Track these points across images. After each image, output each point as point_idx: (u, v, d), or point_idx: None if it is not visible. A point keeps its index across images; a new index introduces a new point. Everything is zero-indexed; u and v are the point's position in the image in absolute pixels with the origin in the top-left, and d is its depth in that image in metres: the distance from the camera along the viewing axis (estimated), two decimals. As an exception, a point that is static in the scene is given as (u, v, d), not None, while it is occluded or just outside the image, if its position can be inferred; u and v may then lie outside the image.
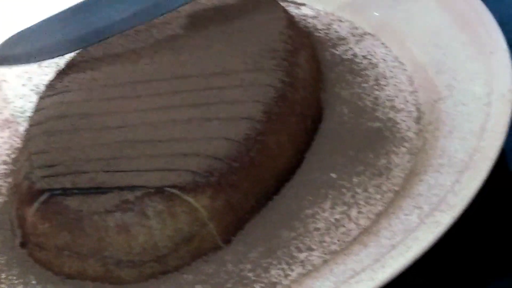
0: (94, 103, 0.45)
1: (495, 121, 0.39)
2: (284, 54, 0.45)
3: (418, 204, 0.38)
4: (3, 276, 0.41)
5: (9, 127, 0.50)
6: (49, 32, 0.47)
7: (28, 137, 0.44)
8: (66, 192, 0.40)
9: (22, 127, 0.50)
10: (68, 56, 0.54)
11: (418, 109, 0.45)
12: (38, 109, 0.46)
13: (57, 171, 0.41)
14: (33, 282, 0.41)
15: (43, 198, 0.40)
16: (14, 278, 0.41)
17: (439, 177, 0.39)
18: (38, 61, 0.48)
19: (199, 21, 0.49)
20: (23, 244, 0.42)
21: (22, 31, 0.48)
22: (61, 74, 0.48)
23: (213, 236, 0.40)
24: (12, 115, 0.51)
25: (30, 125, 0.45)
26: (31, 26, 0.48)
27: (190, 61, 0.46)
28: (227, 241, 0.40)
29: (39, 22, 0.48)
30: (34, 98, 0.51)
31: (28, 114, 0.50)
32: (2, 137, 0.49)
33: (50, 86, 0.47)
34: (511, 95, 0.40)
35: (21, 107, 0.51)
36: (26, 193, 0.41)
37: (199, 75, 0.44)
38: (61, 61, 0.54)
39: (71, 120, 0.44)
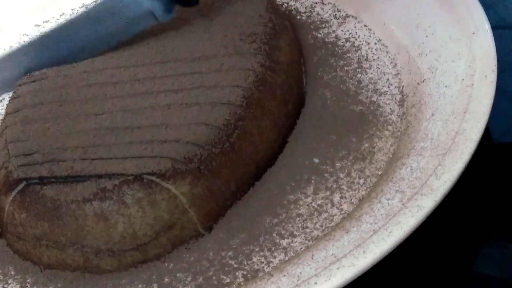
0: (71, 90, 0.44)
1: (478, 103, 0.39)
2: (264, 37, 0.44)
3: (400, 188, 0.37)
4: (-19, 267, 0.41)
5: (-14, 116, 0.49)
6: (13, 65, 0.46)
7: (5, 125, 0.43)
8: (43, 181, 0.39)
9: (1, 116, 0.49)
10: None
11: (401, 92, 0.45)
12: (15, 97, 0.45)
13: (34, 160, 0.40)
14: (12, 272, 0.40)
15: (20, 187, 0.39)
16: (-8, 269, 0.40)
17: (421, 161, 0.38)
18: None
19: (178, 7, 0.48)
20: (0, 235, 0.42)
21: None
22: (39, 61, 0.47)
23: (193, 224, 0.39)
24: (-10, 103, 0.50)
25: (7, 113, 0.44)
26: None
27: (169, 46, 0.45)
28: (208, 229, 0.40)
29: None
30: (13, 86, 0.51)
31: (7, 102, 0.49)
32: (-20, 126, 0.48)
33: (27, 73, 0.46)
34: (494, 76, 0.39)
35: (-1, 95, 0.50)
36: (3, 182, 0.40)
37: (178, 60, 0.44)
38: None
39: (48, 108, 0.43)
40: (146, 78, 0.43)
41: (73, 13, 0.56)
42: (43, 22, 0.55)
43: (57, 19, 0.55)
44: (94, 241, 0.39)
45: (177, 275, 0.39)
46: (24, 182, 0.39)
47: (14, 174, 0.40)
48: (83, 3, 0.56)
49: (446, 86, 0.41)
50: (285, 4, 0.52)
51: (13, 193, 0.40)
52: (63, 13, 0.56)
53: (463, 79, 0.41)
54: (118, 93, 0.43)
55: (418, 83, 0.44)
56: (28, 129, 0.42)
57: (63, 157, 0.40)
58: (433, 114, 0.41)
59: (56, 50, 0.46)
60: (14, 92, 0.45)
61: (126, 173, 0.38)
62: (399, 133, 0.43)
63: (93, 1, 0.52)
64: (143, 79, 0.43)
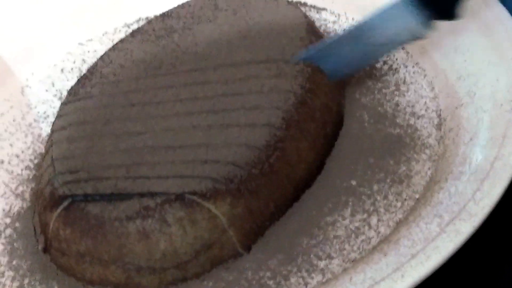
0: (115, 109, 0.45)
1: (517, 129, 0.39)
2: (305, 59, 0.45)
3: (438, 212, 0.38)
4: (26, 281, 0.42)
5: (32, 133, 0.50)
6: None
7: (51, 143, 0.44)
8: (87, 198, 0.40)
9: (45, 133, 0.50)
10: (90, 61, 0.55)
11: (438, 116, 0.45)
12: (60, 115, 0.46)
13: (79, 177, 0.41)
14: (56, 287, 0.41)
15: (65, 204, 0.41)
16: (37, 283, 0.42)
17: (459, 185, 0.39)
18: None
19: (219, 27, 0.49)
20: (45, 250, 0.43)
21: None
22: (83, 79, 0.48)
23: (233, 243, 0.40)
24: (35, 120, 0.51)
25: (53, 131, 0.45)
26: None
27: (211, 67, 0.46)
28: (247, 248, 0.41)
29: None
30: (57, 104, 0.52)
31: (51, 119, 0.51)
32: (25, 143, 0.50)
33: (72, 91, 0.47)
34: (533, 102, 0.40)
35: (44, 113, 0.52)
36: (49, 198, 0.42)
37: (220, 81, 0.45)
38: (83, 67, 0.55)
39: (93, 126, 0.44)
40: (187, 99, 0.44)
41: (115, 31, 0.57)
42: (86, 41, 0.57)
43: (100, 38, 0.57)
44: (136, 259, 0.40)
45: (216, 293, 0.39)
46: (70, 199, 0.40)
47: (60, 190, 0.41)
48: (125, 23, 0.57)
49: (484, 111, 0.42)
50: (323, 26, 0.53)
51: (59, 210, 0.41)
52: (106, 32, 0.57)
53: (501, 104, 0.41)
54: (160, 113, 0.44)
55: (456, 107, 0.44)
56: (73, 147, 0.43)
57: (107, 175, 0.41)
58: (471, 139, 0.41)
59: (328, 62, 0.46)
60: (59, 110, 0.47)
61: (168, 192, 0.39)
62: (436, 157, 0.43)
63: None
64: (185, 100, 0.44)
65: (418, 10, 0.44)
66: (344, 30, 0.46)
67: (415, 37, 0.46)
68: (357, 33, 0.46)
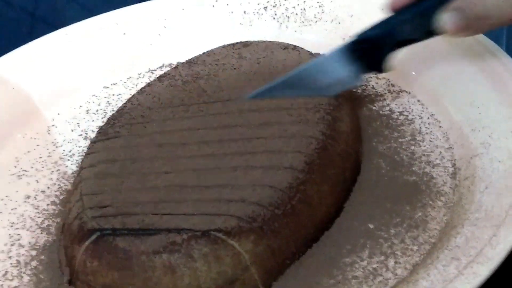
0: (143, 149, 0.47)
1: (531, 178, 0.41)
2: (327, 108, 0.47)
3: (455, 255, 0.39)
4: (51, 311, 0.43)
5: (58, 170, 0.52)
6: None
7: (80, 179, 0.46)
8: (115, 232, 0.42)
9: (71, 170, 0.52)
10: (115, 104, 0.57)
11: (453, 165, 0.47)
12: (89, 153, 0.48)
13: (107, 212, 0.43)
14: (80, 318, 0.42)
15: (93, 237, 0.42)
16: (62, 314, 0.43)
17: (476, 231, 0.40)
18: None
19: (244, 74, 0.51)
20: (70, 282, 0.44)
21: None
22: (112, 120, 0.50)
23: (254, 280, 0.41)
24: (61, 158, 0.53)
25: (82, 168, 0.47)
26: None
27: (235, 111, 0.48)
28: (268, 286, 0.42)
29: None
30: (82, 143, 0.54)
31: (76, 158, 0.53)
32: (51, 179, 0.51)
33: (102, 131, 0.49)
34: (546, 154, 0.41)
35: (69, 151, 0.53)
36: (77, 232, 0.43)
37: (245, 125, 0.46)
38: (108, 109, 0.57)
39: (121, 164, 0.46)
40: (213, 141, 0.46)
41: (139, 76, 0.59)
42: (111, 84, 0.59)
43: (125, 82, 0.59)
44: (161, 292, 0.41)
45: (237, 329, 0.40)
46: (98, 233, 0.42)
47: (89, 224, 0.42)
48: (149, 68, 0.60)
49: (499, 161, 0.44)
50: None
51: (87, 243, 0.42)
52: (130, 77, 0.59)
53: (516, 155, 0.43)
54: (186, 153, 0.46)
55: (471, 157, 0.46)
56: (102, 183, 0.45)
57: (134, 211, 0.42)
58: (486, 187, 0.43)
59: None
60: (88, 149, 0.48)
61: (194, 229, 0.41)
62: (451, 204, 0.45)
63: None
64: (210, 142, 0.46)
65: (350, 62, 0.47)
66: (285, 75, 0.48)
67: (347, 87, 0.49)
68: (294, 80, 0.48)
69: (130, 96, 0.54)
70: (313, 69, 0.48)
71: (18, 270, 0.45)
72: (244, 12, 0.60)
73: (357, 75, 0.47)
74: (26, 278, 0.45)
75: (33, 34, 0.74)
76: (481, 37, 0.50)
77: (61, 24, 0.62)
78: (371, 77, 0.54)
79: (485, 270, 0.37)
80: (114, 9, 0.62)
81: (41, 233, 0.48)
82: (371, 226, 0.44)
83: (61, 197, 0.50)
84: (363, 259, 0.43)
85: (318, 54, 0.57)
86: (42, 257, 0.46)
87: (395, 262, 0.42)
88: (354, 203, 0.46)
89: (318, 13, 0.59)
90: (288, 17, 0.59)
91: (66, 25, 0.61)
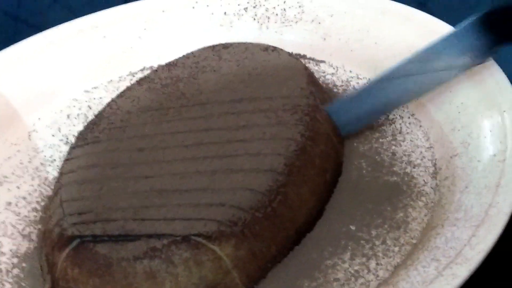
0: (123, 154, 0.46)
1: (510, 177, 0.41)
2: (305, 109, 0.47)
3: (435, 256, 0.39)
4: (33, 319, 0.43)
5: (38, 176, 0.52)
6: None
7: (60, 185, 0.46)
8: (96, 238, 0.41)
9: (52, 176, 0.51)
10: (96, 108, 0.57)
11: (434, 165, 0.47)
12: (69, 158, 0.48)
13: (88, 219, 0.42)
14: (61, 326, 0.42)
15: (74, 244, 0.42)
16: (44, 322, 0.42)
17: (455, 231, 0.40)
18: None
19: (223, 76, 0.51)
20: (52, 289, 0.44)
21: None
22: (91, 125, 0.50)
23: (236, 285, 0.41)
24: (42, 164, 0.53)
25: (61, 174, 0.47)
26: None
27: (215, 114, 0.48)
28: (250, 290, 0.42)
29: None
30: (63, 148, 0.53)
31: (57, 163, 0.52)
32: (32, 185, 0.51)
33: (81, 136, 0.49)
34: (525, 153, 0.42)
35: (50, 156, 0.53)
36: (58, 239, 0.43)
37: (224, 128, 0.46)
38: (89, 113, 0.56)
39: (101, 170, 0.45)
40: (192, 144, 0.46)
41: (120, 79, 0.59)
42: (92, 88, 0.59)
43: (106, 85, 0.59)
44: (142, 298, 0.41)
45: (219, 334, 0.40)
46: (78, 239, 0.42)
47: (69, 231, 0.42)
48: (130, 71, 0.59)
49: (478, 161, 0.44)
50: (322, 78, 0.55)
51: (67, 250, 0.42)
52: (111, 80, 0.59)
53: (495, 155, 0.43)
54: (166, 157, 0.45)
55: (451, 157, 0.46)
56: (82, 189, 0.44)
57: (115, 217, 0.42)
58: (466, 187, 0.43)
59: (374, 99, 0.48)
60: (68, 154, 0.48)
61: (174, 234, 0.41)
62: (432, 204, 0.45)
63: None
64: (190, 145, 0.46)
65: (482, 34, 0.46)
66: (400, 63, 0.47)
67: (478, 62, 0.47)
68: (420, 58, 0.47)
69: (111, 99, 0.54)
70: (438, 47, 0.47)
71: (-1, 278, 0.45)
72: (225, 13, 0.60)
73: (490, 47, 0.46)
74: (7, 286, 0.44)
75: (16, 37, 0.74)
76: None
77: (45, 26, 0.61)
78: (352, 77, 0.54)
79: (464, 270, 0.37)
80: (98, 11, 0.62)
81: (23, 240, 0.47)
82: (352, 227, 0.44)
83: (42, 203, 0.50)
84: (345, 261, 0.43)
85: (299, 54, 0.57)
86: (24, 264, 0.46)
87: (377, 264, 0.42)
88: (335, 205, 0.46)
89: (298, 13, 0.58)
90: (269, 18, 0.59)
91: (50, 27, 0.61)
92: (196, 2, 0.60)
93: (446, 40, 0.47)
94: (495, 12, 0.46)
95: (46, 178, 0.51)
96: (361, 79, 0.54)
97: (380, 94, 0.49)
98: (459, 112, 0.48)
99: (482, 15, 0.46)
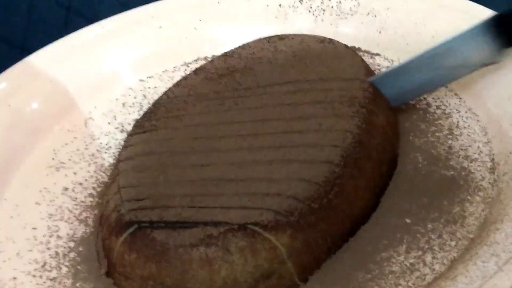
0: (180, 142, 0.47)
1: None
2: (362, 101, 0.47)
3: (495, 251, 0.39)
4: (90, 303, 0.43)
5: (95, 162, 0.52)
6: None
7: (118, 172, 0.46)
8: (153, 225, 0.42)
9: (107, 163, 0.52)
10: (151, 97, 0.57)
11: (492, 160, 0.46)
12: (126, 146, 0.48)
13: (145, 205, 0.43)
14: (118, 310, 0.43)
15: (131, 229, 0.42)
16: (100, 305, 0.43)
17: (516, 226, 0.40)
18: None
19: (280, 67, 0.51)
20: (108, 274, 0.44)
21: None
22: (149, 113, 0.50)
23: (291, 274, 0.41)
24: (98, 151, 0.53)
25: (119, 161, 0.47)
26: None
27: (271, 105, 0.48)
28: (304, 280, 0.42)
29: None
30: (119, 136, 0.54)
31: (113, 150, 0.53)
32: (88, 171, 0.52)
33: (138, 124, 0.50)
34: None
35: (106, 144, 0.54)
36: (115, 224, 0.43)
37: (281, 118, 0.46)
38: (144, 102, 0.57)
39: (158, 157, 0.46)
40: (249, 134, 0.46)
41: (174, 69, 0.59)
42: (147, 77, 0.59)
43: (160, 75, 0.59)
44: (197, 285, 0.41)
45: (273, 323, 0.40)
46: (136, 225, 0.42)
47: (126, 217, 0.43)
48: (184, 61, 0.60)
49: (539, 157, 0.43)
50: (377, 71, 0.55)
51: (125, 235, 0.42)
52: (166, 70, 0.59)
53: (555, 151, 0.42)
54: (223, 147, 0.46)
55: (510, 152, 0.45)
56: (139, 176, 0.45)
57: (172, 204, 0.43)
58: (526, 183, 0.42)
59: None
60: (125, 142, 0.49)
61: (231, 222, 0.41)
62: (490, 199, 0.44)
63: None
64: (246, 135, 0.46)
65: (493, 36, 0.46)
66: (417, 54, 0.48)
67: (488, 63, 0.47)
68: (431, 55, 0.48)
69: (165, 89, 0.54)
70: (454, 43, 0.47)
71: (56, 261, 0.46)
72: (280, 5, 0.60)
73: (500, 50, 0.47)
74: (64, 270, 0.45)
75: (68, 27, 0.75)
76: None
77: (96, 17, 0.62)
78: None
79: (525, 266, 0.37)
80: (148, 2, 0.62)
81: (79, 225, 0.48)
82: (408, 220, 0.44)
83: (98, 189, 0.50)
84: (400, 254, 0.42)
85: (354, 47, 0.57)
86: (80, 248, 0.46)
87: (433, 257, 0.42)
88: (390, 198, 0.46)
89: (354, 6, 0.58)
90: (324, 10, 0.59)
91: (100, 18, 0.61)
92: (251, -7, 0.61)
93: (459, 38, 0.48)
94: (507, 15, 0.46)
95: (102, 165, 0.52)
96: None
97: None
98: (518, 107, 0.47)
99: (494, 17, 0.46)
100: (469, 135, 0.49)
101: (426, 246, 0.42)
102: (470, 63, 0.48)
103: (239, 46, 0.55)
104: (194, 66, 0.58)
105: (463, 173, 0.46)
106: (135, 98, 0.58)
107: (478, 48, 0.47)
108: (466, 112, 0.50)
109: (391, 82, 0.49)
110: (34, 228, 0.48)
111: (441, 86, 0.51)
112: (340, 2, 0.59)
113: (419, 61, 0.48)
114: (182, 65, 0.59)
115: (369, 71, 0.51)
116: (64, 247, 0.47)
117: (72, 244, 0.47)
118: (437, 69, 0.48)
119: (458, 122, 0.50)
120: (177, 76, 0.58)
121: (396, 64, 0.50)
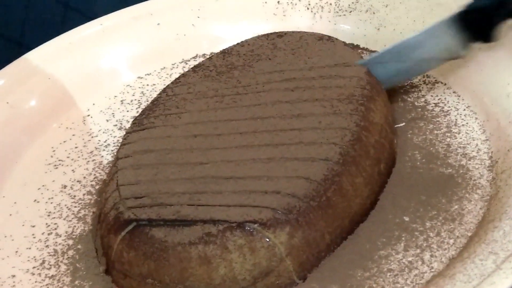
0: (178, 140, 0.47)
1: None
2: (361, 99, 0.47)
3: (493, 250, 0.39)
4: (89, 300, 0.43)
5: (93, 160, 0.52)
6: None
7: (116, 169, 0.46)
8: (152, 223, 0.42)
9: (106, 160, 0.52)
10: (149, 94, 0.57)
11: (490, 158, 0.46)
12: (125, 143, 0.48)
13: (144, 203, 0.43)
14: (116, 307, 0.43)
15: (130, 227, 0.42)
16: (99, 303, 0.43)
17: (514, 224, 0.40)
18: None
19: (278, 65, 0.51)
20: (107, 271, 0.44)
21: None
22: (147, 111, 0.50)
23: (289, 272, 0.42)
24: (97, 148, 0.53)
25: (118, 158, 0.47)
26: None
27: (270, 102, 0.48)
28: (303, 278, 0.42)
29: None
30: (117, 133, 0.54)
31: (111, 148, 0.53)
32: (87, 169, 0.52)
33: (137, 122, 0.49)
34: None
35: (105, 141, 0.54)
36: (114, 222, 0.43)
37: (279, 116, 0.46)
38: (142, 99, 0.57)
39: (157, 155, 0.46)
40: (248, 132, 0.46)
41: (173, 67, 0.59)
42: (145, 75, 0.59)
43: (159, 72, 0.59)
44: (196, 283, 0.41)
45: (272, 320, 0.41)
46: (135, 223, 0.42)
47: (125, 215, 0.43)
48: (183, 59, 0.60)
49: (537, 154, 0.43)
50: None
51: (123, 233, 0.42)
52: (164, 67, 0.59)
53: (554, 149, 0.43)
54: (221, 144, 0.46)
55: (508, 150, 0.45)
56: (138, 173, 0.45)
57: (170, 202, 0.43)
58: (524, 181, 0.42)
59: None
60: (124, 139, 0.49)
61: (230, 220, 0.41)
62: (488, 197, 0.44)
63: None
64: (245, 133, 0.46)
65: (458, 31, 0.48)
66: (391, 45, 0.50)
67: (453, 57, 0.49)
68: (401, 48, 0.50)
69: (164, 86, 0.54)
70: (420, 38, 0.49)
71: (55, 259, 0.46)
72: (278, 2, 0.60)
73: (463, 45, 0.48)
74: (63, 267, 0.45)
75: (66, 24, 0.75)
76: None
77: (94, 14, 0.62)
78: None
79: (523, 265, 0.37)
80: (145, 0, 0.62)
81: (78, 223, 0.48)
82: (406, 218, 0.44)
83: (97, 187, 0.50)
84: (398, 252, 0.42)
85: (352, 44, 0.57)
86: (79, 246, 0.46)
87: (431, 256, 0.42)
88: (389, 196, 0.46)
89: (353, 3, 0.58)
90: (322, 7, 0.59)
91: (99, 15, 0.61)
92: (250, -10, 0.60)
93: (428, 32, 0.49)
94: (468, 12, 0.48)
95: (100, 163, 0.52)
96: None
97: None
98: (517, 105, 0.47)
99: (459, 12, 0.48)
100: (467, 133, 0.49)
101: (425, 244, 0.42)
102: (437, 56, 0.49)
103: (238, 43, 0.55)
104: (192, 63, 0.58)
105: (461, 171, 0.46)
106: (133, 95, 0.58)
107: (444, 42, 0.49)
108: (464, 109, 0.50)
109: (374, 66, 0.50)
110: (32, 226, 0.48)
111: (414, 76, 0.52)
112: (338, -1, 0.59)
113: (393, 52, 0.50)
114: (180, 63, 0.60)
115: (367, 68, 0.51)
116: (63, 245, 0.47)
117: (70, 242, 0.47)
118: (408, 60, 0.50)
119: (456, 119, 0.50)
120: (176, 74, 0.58)
121: (374, 54, 0.51)
